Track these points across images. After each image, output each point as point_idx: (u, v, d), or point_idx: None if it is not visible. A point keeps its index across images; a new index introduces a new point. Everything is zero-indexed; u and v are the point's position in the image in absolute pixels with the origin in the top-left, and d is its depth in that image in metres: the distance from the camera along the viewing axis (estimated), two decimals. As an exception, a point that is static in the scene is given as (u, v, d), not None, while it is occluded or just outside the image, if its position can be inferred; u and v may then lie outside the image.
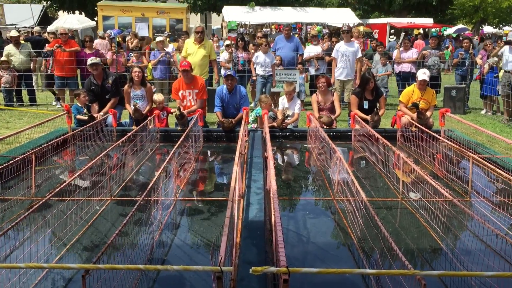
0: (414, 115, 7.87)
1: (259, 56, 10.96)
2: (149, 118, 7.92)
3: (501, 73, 11.50)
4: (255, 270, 2.53)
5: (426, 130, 7.15)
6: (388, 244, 3.20)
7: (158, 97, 8.60)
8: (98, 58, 8.60)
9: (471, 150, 5.85)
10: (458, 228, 4.11)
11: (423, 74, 7.90)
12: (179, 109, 7.45)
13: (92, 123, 7.54)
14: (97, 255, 2.79)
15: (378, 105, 8.33)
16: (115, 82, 8.44)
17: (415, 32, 26.75)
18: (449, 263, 3.70)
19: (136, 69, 8.42)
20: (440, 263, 3.73)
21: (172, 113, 8.50)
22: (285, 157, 7.12)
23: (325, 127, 7.63)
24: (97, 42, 14.01)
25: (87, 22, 25.37)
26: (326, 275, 3.47)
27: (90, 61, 8.36)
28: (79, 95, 8.21)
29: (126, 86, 8.41)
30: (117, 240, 3.12)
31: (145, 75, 12.60)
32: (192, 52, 10.11)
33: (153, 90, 12.19)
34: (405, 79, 12.51)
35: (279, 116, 7.95)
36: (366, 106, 8.16)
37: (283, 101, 9.10)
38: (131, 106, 8.17)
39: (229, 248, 2.98)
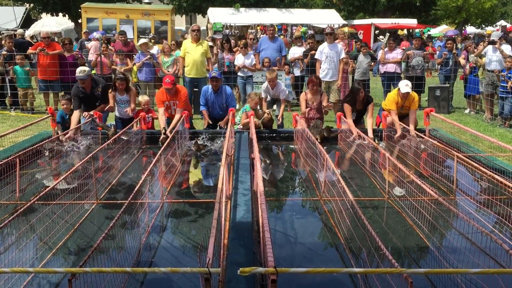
0: (399, 133, 7.70)
1: (239, 58, 11.40)
2: (134, 120, 7.87)
3: (480, 72, 11.67)
4: (243, 271, 2.53)
5: (411, 129, 7.22)
6: (375, 243, 3.23)
7: (142, 98, 8.53)
8: (86, 70, 8.25)
9: (455, 149, 5.92)
10: (444, 226, 4.15)
11: (405, 87, 7.71)
12: (164, 133, 7.13)
13: (76, 126, 7.48)
14: (83, 258, 2.76)
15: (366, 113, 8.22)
16: (104, 90, 8.30)
17: (400, 32, 26.97)
18: (435, 261, 3.74)
19: (118, 82, 8.21)
20: (427, 261, 3.77)
21: (156, 118, 8.44)
22: (272, 158, 7.13)
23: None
24: (92, 43, 13.93)
25: (66, 24, 25.08)
26: (314, 275, 3.48)
27: (78, 73, 7.98)
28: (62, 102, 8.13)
29: (110, 91, 8.25)
30: (104, 243, 3.10)
31: (130, 78, 12.55)
32: (191, 50, 10.37)
33: (138, 92, 12.14)
34: (390, 79, 12.61)
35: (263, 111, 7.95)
36: (353, 117, 8.04)
37: (266, 88, 9.10)
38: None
39: (216, 250, 2.98)
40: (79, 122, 7.84)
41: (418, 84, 11.84)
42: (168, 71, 11.56)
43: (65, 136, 7.34)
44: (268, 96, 9.22)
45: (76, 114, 7.87)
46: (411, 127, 7.45)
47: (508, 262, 3.26)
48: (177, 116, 7.86)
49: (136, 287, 3.40)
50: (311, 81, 8.30)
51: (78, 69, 8.15)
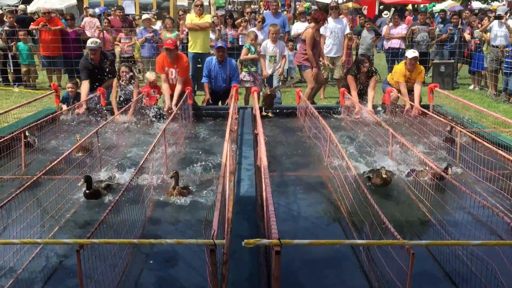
0: (408, 105, 7.67)
1: (268, 47, 9.15)
2: (140, 95, 7.87)
3: (485, 47, 11.56)
4: (247, 243, 2.56)
5: (415, 105, 7.20)
6: (378, 217, 3.26)
7: (150, 76, 8.40)
8: (98, 41, 8.20)
9: (459, 125, 5.92)
10: (446, 200, 4.18)
11: (413, 53, 7.74)
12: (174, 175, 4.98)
13: (78, 103, 7.48)
14: (90, 231, 2.81)
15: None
16: (112, 64, 8.24)
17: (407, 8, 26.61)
18: (437, 234, 3.78)
19: (123, 69, 8.13)
20: (429, 234, 3.81)
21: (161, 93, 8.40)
22: (276, 134, 7.13)
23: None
24: (86, 20, 13.74)
25: (69, 1, 24.78)
26: (317, 248, 3.54)
27: (90, 43, 7.92)
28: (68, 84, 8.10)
29: (115, 81, 8.11)
30: (110, 217, 3.14)
31: (133, 54, 12.47)
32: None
33: (140, 68, 12.11)
34: (394, 55, 12.51)
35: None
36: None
37: (266, 45, 9.06)
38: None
39: (221, 223, 3.02)
40: (90, 91, 7.82)
41: (423, 61, 11.74)
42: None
43: (79, 108, 7.39)
44: (267, 71, 9.18)
45: (86, 85, 7.81)
46: (416, 102, 7.46)
47: (509, 235, 3.30)
48: (178, 87, 7.78)
49: (142, 259, 3.45)
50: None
51: (90, 40, 8.09)
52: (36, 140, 6.04)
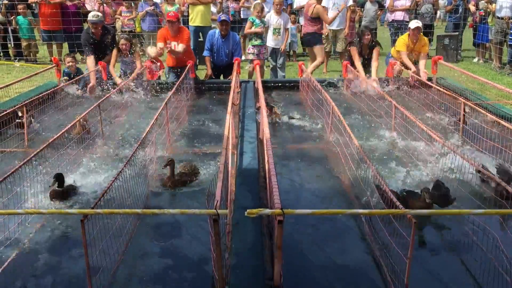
0: (413, 68, 7.65)
1: (272, 18, 9.11)
2: (142, 68, 7.83)
3: (490, 18, 11.40)
4: (250, 213, 2.58)
5: (419, 77, 7.15)
6: (381, 188, 3.27)
7: (151, 51, 8.30)
8: (99, 15, 8.09)
9: (462, 97, 5.88)
10: (449, 172, 4.18)
11: (416, 23, 7.69)
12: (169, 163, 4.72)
13: (78, 78, 7.45)
14: (94, 201, 2.82)
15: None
16: (113, 38, 8.14)
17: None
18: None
19: (122, 41, 8.05)
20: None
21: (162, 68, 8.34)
22: (278, 107, 7.10)
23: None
24: None
25: None
26: (320, 218, 3.56)
27: (91, 17, 7.79)
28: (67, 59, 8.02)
29: (115, 52, 8.04)
30: (113, 189, 3.15)
31: (134, 28, 12.34)
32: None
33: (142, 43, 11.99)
34: (398, 28, 12.35)
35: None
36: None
37: (270, 17, 9.00)
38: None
39: (224, 194, 3.03)
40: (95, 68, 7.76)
41: (426, 33, 11.61)
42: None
43: (89, 86, 7.34)
44: (269, 45, 9.11)
45: (92, 61, 7.70)
46: (422, 74, 7.40)
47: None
48: (179, 48, 7.72)
49: (146, 230, 3.48)
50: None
51: (91, 13, 7.96)
52: (32, 120, 5.81)
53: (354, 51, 7.90)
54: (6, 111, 5.46)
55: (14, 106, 5.63)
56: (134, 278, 2.88)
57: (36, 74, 7.31)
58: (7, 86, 6.37)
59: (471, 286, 2.82)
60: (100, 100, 5.64)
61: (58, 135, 4.28)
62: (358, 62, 7.79)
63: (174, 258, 3.11)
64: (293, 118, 6.32)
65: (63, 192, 3.86)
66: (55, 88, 6.89)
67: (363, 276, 2.88)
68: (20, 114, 5.46)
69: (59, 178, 3.86)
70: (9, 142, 5.24)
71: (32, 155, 3.75)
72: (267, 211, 2.63)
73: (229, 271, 2.70)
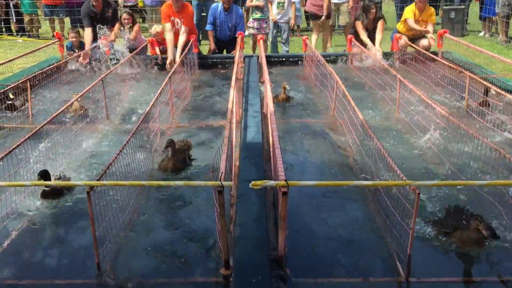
0: (426, 31, 7.62)
1: None
2: (143, 44, 7.77)
3: None
4: (254, 184, 2.59)
5: (424, 51, 7.07)
6: (385, 161, 3.26)
7: (155, 29, 8.18)
8: None
9: (468, 71, 5.83)
10: (454, 144, 4.18)
11: None
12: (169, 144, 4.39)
13: (84, 52, 7.41)
14: (100, 173, 2.84)
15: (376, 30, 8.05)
16: (114, 12, 8.06)
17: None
18: (445, 177, 3.78)
19: (124, 16, 7.94)
20: (436, 177, 3.81)
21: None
22: (282, 82, 7.07)
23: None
24: None
25: None
26: (324, 191, 3.58)
27: None
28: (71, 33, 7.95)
29: (117, 26, 7.96)
30: (118, 162, 3.17)
31: (137, 3, 12.22)
32: None
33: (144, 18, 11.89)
34: (404, 1, 12.15)
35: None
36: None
37: None
38: None
39: (228, 167, 3.04)
40: (93, 40, 7.71)
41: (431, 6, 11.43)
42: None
43: (83, 54, 7.32)
44: (275, 17, 9.00)
45: (88, 32, 7.67)
46: (431, 41, 7.34)
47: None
48: (182, 37, 7.63)
49: (151, 203, 3.51)
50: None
51: None
52: (23, 103, 5.58)
53: (359, 25, 7.82)
54: (9, 85, 5.46)
55: (18, 81, 5.63)
56: (139, 250, 2.92)
57: (39, 49, 7.28)
58: (10, 61, 6.34)
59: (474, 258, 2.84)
60: (104, 75, 5.63)
61: (53, 116, 4.23)
62: (364, 36, 7.72)
63: (179, 230, 3.15)
64: (289, 96, 6.12)
65: (53, 191, 3.46)
66: (59, 63, 6.87)
67: (366, 247, 2.91)
68: (11, 96, 5.35)
69: (45, 176, 3.35)
70: (14, 118, 5.26)
71: (34, 130, 3.76)
72: (272, 182, 2.65)
73: (234, 242, 2.73)
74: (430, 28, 7.60)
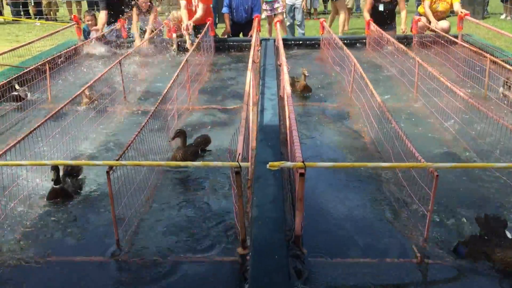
0: (434, 21, 7.48)
1: None
2: (159, 28, 7.77)
3: None
4: (272, 165, 2.60)
5: (444, 34, 6.95)
6: (403, 145, 3.24)
7: (172, 15, 8.12)
8: None
9: (489, 54, 5.72)
10: (473, 128, 4.13)
11: None
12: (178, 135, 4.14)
13: (99, 35, 7.44)
14: (119, 154, 2.88)
15: (397, 7, 7.95)
16: None
17: None
18: (463, 160, 3.75)
19: None
20: (455, 160, 3.78)
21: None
22: (299, 65, 7.03)
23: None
24: None
25: None
26: (341, 173, 3.58)
27: None
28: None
29: (135, 10, 7.95)
30: (136, 144, 3.20)
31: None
32: None
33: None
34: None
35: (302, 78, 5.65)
36: (381, 8, 7.78)
37: None
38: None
39: (245, 148, 3.05)
40: (108, 23, 7.74)
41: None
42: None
43: (93, 29, 7.39)
44: (288, 2, 8.91)
45: (103, 15, 7.69)
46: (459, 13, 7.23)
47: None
48: (199, 13, 7.61)
49: (169, 184, 3.55)
50: None
51: None
52: (27, 94, 5.37)
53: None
54: (29, 68, 5.53)
55: (37, 64, 5.69)
56: (157, 228, 2.96)
57: (56, 32, 7.33)
58: (28, 44, 6.40)
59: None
60: (121, 57, 5.65)
61: (79, 92, 4.30)
62: (366, 12, 7.72)
63: (196, 210, 3.18)
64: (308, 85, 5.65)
65: (62, 190, 3.26)
66: (76, 46, 6.92)
67: (383, 229, 2.91)
68: (17, 87, 5.19)
69: (56, 170, 3.20)
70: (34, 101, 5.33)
71: (55, 111, 3.81)
72: (289, 164, 2.65)
73: (251, 222, 2.75)
74: (457, 7, 7.42)
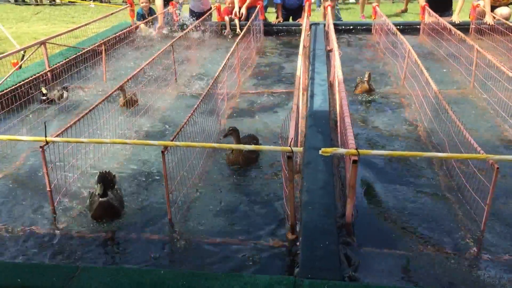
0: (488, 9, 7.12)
1: None
2: (210, 10, 7.82)
3: None
4: (324, 151, 2.58)
5: (504, 21, 6.64)
6: (460, 135, 3.13)
7: None
8: None
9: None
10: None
11: None
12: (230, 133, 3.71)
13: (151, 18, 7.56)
14: (173, 135, 2.93)
15: None
16: None
17: None
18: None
19: None
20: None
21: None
22: (349, 51, 6.90)
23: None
24: None
25: None
26: (393, 163, 3.51)
27: None
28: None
29: None
30: (188, 126, 3.24)
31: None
32: None
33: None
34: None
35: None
36: None
37: None
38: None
39: (296, 134, 3.04)
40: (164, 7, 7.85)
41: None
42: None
43: (158, 27, 7.52)
44: None
45: (160, 1, 7.84)
46: None
47: None
48: None
49: (219, 167, 3.58)
50: None
51: None
52: (63, 94, 4.94)
53: None
54: (85, 49, 5.69)
55: (93, 45, 5.85)
56: (208, 210, 3.01)
57: (111, 14, 7.49)
58: (85, 25, 6.59)
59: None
60: (173, 40, 5.72)
61: (135, 72, 4.39)
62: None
63: (246, 194, 3.21)
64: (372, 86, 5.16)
65: (109, 205, 2.84)
66: (130, 28, 7.06)
67: (437, 221, 2.84)
68: (44, 91, 4.81)
69: (104, 180, 2.85)
70: (88, 80, 5.50)
71: (112, 92, 3.91)
72: (342, 150, 2.63)
73: (301, 208, 2.75)
74: None
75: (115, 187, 2.96)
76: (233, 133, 3.48)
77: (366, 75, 5.07)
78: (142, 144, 3.32)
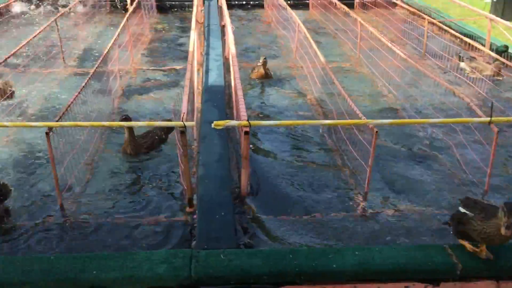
0: None
1: None
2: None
3: None
4: (217, 124, 2.61)
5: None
6: (345, 104, 3.31)
7: None
8: None
9: (426, 15, 5.89)
10: (411, 86, 4.30)
11: None
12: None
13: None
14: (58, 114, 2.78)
15: None
16: None
17: None
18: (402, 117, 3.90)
19: None
20: (394, 117, 3.92)
21: None
22: (242, 26, 6.96)
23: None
24: None
25: None
26: (284, 132, 3.64)
27: None
28: None
29: None
30: (77, 106, 3.08)
31: None
32: None
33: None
34: None
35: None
36: None
37: None
38: None
39: (190, 108, 3.03)
40: None
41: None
42: None
43: None
44: None
45: None
46: None
47: (468, 114, 3.42)
48: None
49: (113, 146, 3.46)
50: None
51: None
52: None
53: None
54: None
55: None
56: (104, 190, 2.92)
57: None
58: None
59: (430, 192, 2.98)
60: (57, 16, 5.36)
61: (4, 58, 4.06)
62: None
63: (142, 172, 3.15)
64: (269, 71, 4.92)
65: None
66: (6, 4, 6.50)
67: (326, 184, 3.01)
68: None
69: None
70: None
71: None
72: (234, 122, 2.68)
73: (197, 181, 2.77)
74: None
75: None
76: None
77: (261, 60, 4.80)
78: (24, 126, 3.11)
